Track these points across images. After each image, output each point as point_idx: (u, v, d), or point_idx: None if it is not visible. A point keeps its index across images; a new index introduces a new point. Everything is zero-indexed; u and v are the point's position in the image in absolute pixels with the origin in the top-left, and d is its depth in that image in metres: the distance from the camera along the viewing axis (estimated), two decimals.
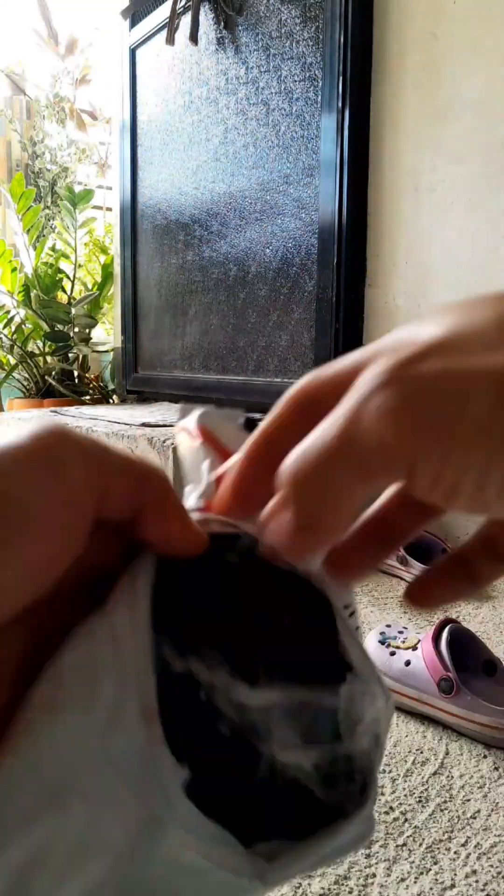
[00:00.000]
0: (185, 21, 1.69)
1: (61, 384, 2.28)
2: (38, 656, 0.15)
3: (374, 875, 0.46)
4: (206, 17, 1.65)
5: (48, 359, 2.36)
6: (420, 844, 0.49)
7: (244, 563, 0.16)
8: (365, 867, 0.47)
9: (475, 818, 0.52)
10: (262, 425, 0.17)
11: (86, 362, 2.42)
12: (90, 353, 2.38)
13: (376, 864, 0.47)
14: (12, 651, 0.15)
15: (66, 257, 2.45)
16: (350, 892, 0.45)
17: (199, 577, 0.15)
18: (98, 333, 2.74)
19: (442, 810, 0.53)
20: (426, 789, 0.55)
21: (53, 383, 2.27)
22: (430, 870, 0.46)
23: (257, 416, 0.19)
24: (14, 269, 2.28)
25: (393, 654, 0.67)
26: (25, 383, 2.35)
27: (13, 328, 2.33)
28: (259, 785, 0.13)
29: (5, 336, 2.30)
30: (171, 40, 1.73)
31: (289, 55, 1.43)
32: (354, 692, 0.15)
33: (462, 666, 0.63)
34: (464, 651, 0.65)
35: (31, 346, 2.35)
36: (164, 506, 0.16)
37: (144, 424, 1.38)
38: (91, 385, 2.39)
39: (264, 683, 0.14)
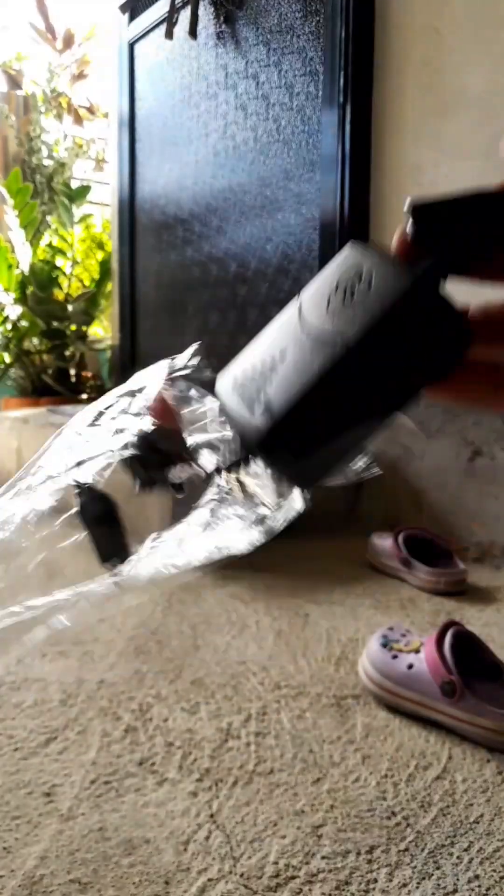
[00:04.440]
0: (185, 15, 1.68)
1: (57, 382, 2.26)
2: None
3: (375, 880, 0.45)
4: (205, 11, 1.64)
5: (44, 357, 2.35)
6: (422, 849, 0.48)
7: None
8: (367, 872, 0.46)
9: (478, 823, 0.51)
10: None
11: (83, 360, 2.40)
12: (87, 351, 2.36)
13: (378, 869, 0.46)
14: None
15: (63, 254, 2.43)
16: None
17: None
18: (95, 331, 2.72)
19: (444, 815, 0.52)
20: (428, 794, 0.54)
21: (50, 381, 2.26)
22: (433, 875, 0.46)
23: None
24: (10, 266, 2.27)
25: (395, 657, 0.66)
26: (21, 381, 2.34)
27: (9, 326, 2.31)
28: None
29: (0, 334, 2.29)
30: (169, 35, 1.71)
31: (289, 49, 1.42)
32: None
33: (465, 669, 0.63)
34: (467, 654, 0.64)
35: (26, 344, 2.33)
36: None
37: None
38: (88, 383, 2.37)
39: None
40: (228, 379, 0.24)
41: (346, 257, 0.24)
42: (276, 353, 0.23)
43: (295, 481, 0.23)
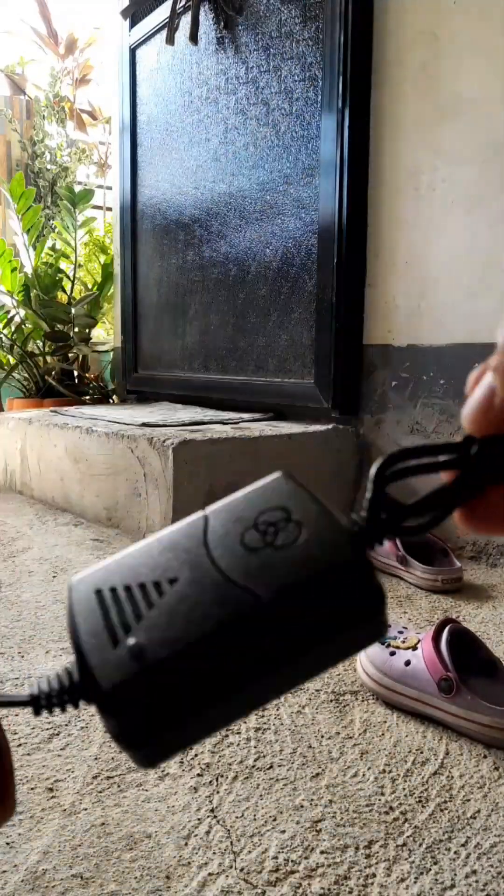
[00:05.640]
0: (185, 21, 1.69)
1: (61, 384, 2.28)
2: None
3: (374, 875, 0.46)
4: (206, 16, 1.65)
5: (48, 359, 2.36)
6: (420, 844, 0.49)
7: None
8: (365, 867, 0.46)
9: (475, 818, 0.52)
10: None
11: (86, 362, 2.42)
12: (90, 353, 2.38)
13: (376, 864, 0.47)
14: None
15: (66, 257, 2.45)
16: (350, 892, 0.44)
17: None
18: (98, 333, 2.74)
19: (442, 810, 0.52)
20: (426, 789, 0.55)
21: (53, 383, 2.27)
22: (430, 870, 0.46)
23: None
24: (14, 269, 2.28)
25: (393, 653, 0.67)
26: (25, 383, 2.35)
27: (13, 328, 2.33)
28: None
29: (5, 336, 2.30)
30: (171, 40, 1.73)
31: (289, 55, 1.43)
32: None
33: (462, 666, 0.63)
34: (464, 651, 0.65)
35: (30, 346, 2.35)
36: None
37: (144, 424, 1.38)
38: (91, 385, 2.38)
39: None
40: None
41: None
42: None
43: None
